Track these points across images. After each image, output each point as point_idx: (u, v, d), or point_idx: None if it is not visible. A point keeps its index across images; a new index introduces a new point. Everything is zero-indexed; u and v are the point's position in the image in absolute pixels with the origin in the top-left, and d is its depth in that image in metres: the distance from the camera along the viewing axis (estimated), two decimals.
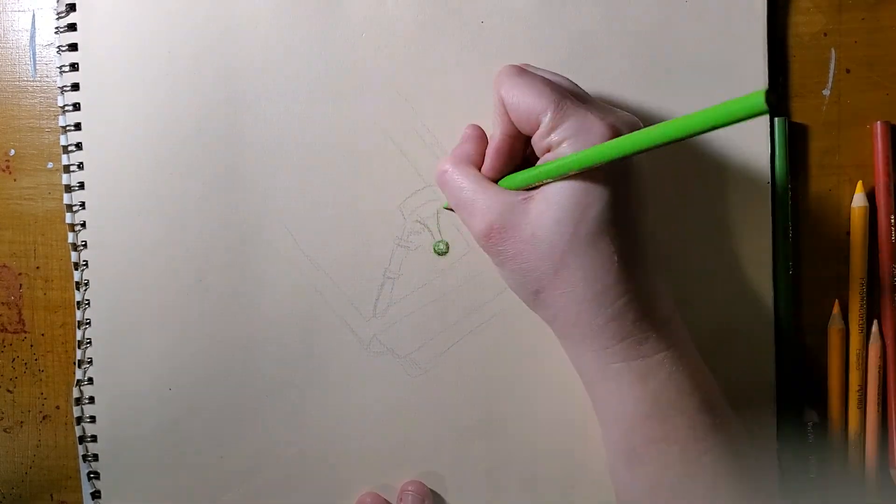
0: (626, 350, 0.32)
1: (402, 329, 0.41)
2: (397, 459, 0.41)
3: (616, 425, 0.33)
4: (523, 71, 0.34)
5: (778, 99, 0.24)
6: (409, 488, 0.40)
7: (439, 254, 0.41)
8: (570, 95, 0.33)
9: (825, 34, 0.41)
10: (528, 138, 0.34)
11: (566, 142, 0.31)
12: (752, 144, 0.40)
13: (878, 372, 0.40)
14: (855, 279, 0.40)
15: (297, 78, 0.41)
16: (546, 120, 0.32)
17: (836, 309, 0.41)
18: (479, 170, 0.36)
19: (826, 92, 0.41)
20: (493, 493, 0.41)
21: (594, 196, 0.31)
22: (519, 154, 0.35)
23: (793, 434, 0.40)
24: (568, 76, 0.40)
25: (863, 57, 0.41)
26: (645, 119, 0.40)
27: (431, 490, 0.41)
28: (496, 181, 0.35)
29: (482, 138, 0.37)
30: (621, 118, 0.32)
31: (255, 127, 0.41)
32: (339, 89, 0.41)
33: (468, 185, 0.34)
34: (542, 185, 0.32)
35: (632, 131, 0.31)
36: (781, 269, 0.40)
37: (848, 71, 0.41)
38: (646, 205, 0.34)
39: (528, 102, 0.32)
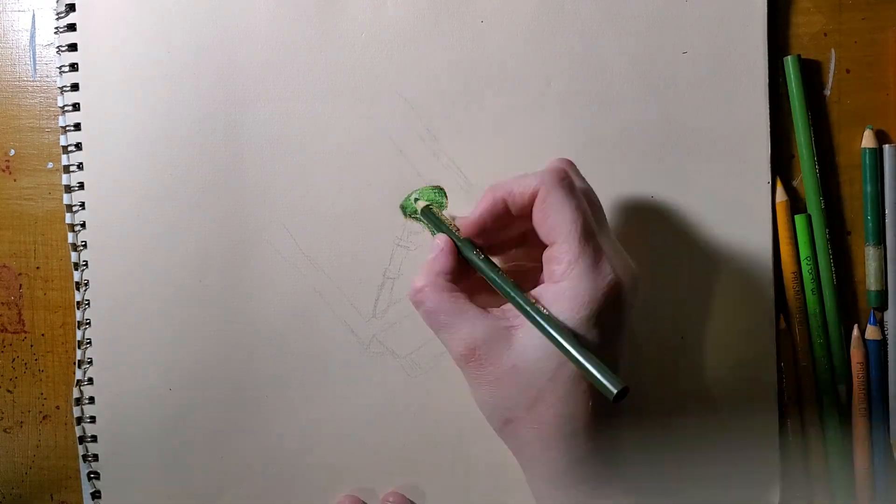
0: (588, 493, 0.32)
1: (401, 329, 0.41)
2: (396, 460, 0.41)
3: None
4: (572, 188, 0.32)
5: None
6: (390, 499, 0.40)
7: None
8: (595, 234, 0.32)
9: (825, 34, 0.41)
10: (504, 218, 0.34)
11: (570, 280, 0.31)
12: (752, 142, 0.40)
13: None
14: (787, 257, 0.40)
15: (297, 78, 0.41)
16: (564, 248, 0.31)
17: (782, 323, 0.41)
18: (452, 277, 0.34)
19: (826, 92, 0.41)
20: (492, 493, 0.41)
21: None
22: (503, 224, 0.34)
23: (793, 434, 0.41)
24: (568, 76, 0.40)
25: (863, 57, 0.41)
26: (644, 124, 0.40)
27: (420, 494, 0.41)
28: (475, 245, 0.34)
29: (454, 252, 0.35)
30: (629, 272, 0.32)
31: (255, 127, 0.41)
32: (339, 89, 0.41)
33: (448, 306, 0.33)
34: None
35: (632, 285, 0.32)
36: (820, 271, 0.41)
37: (848, 71, 0.41)
38: (625, 351, 0.33)
39: (558, 221, 0.31)
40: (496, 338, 0.32)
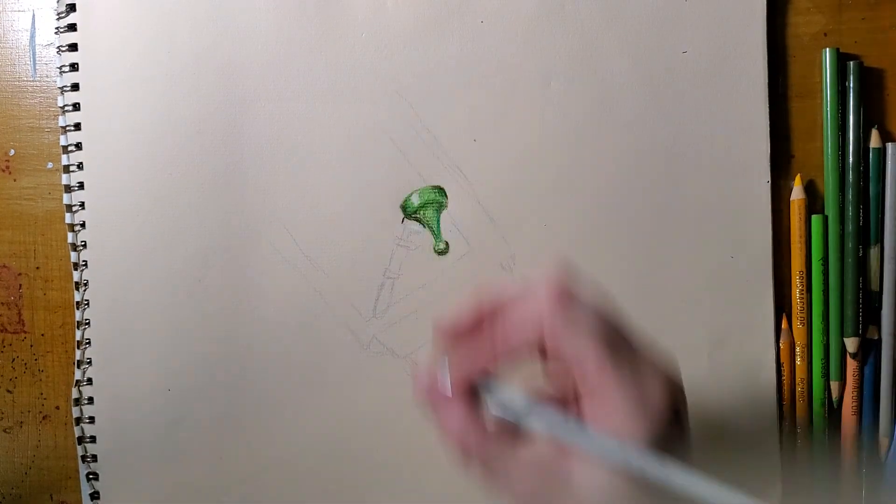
0: None
1: (401, 329, 0.41)
2: (396, 459, 0.41)
3: None
4: (576, 302, 0.27)
5: None
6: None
7: (439, 254, 0.41)
8: (624, 348, 0.27)
9: (825, 34, 0.41)
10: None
11: (617, 413, 0.25)
12: (752, 142, 0.40)
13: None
14: (797, 258, 0.40)
15: (297, 78, 0.41)
16: (594, 380, 0.26)
17: (784, 324, 0.41)
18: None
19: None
20: (490, 492, 0.41)
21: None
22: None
23: (791, 433, 0.41)
24: (567, 76, 0.40)
25: (863, 57, 0.41)
26: (643, 123, 0.40)
27: (421, 494, 0.41)
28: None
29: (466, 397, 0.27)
30: (673, 378, 0.27)
31: (255, 127, 0.41)
32: (339, 89, 0.41)
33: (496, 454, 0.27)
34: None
35: (681, 391, 0.27)
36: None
37: None
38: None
39: (576, 350, 0.26)
40: (551, 481, 0.26)
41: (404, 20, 0.41)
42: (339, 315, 0.41)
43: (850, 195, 0.40)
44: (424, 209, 0.41)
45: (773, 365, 0.40)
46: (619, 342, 0.27)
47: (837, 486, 0.40)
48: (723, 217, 0.40)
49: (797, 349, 0.40)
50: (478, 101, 0.40)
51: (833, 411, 0.41)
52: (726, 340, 0.40)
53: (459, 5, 0.40)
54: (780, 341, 0.40)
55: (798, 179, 0.40)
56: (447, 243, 0.41)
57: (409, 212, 0.41)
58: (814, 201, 0.41)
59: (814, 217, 0.40)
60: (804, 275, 0.40)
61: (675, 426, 0.26)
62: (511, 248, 0.41)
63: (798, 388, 0.40)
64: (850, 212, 0.40)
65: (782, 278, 0.41)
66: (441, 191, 0.41)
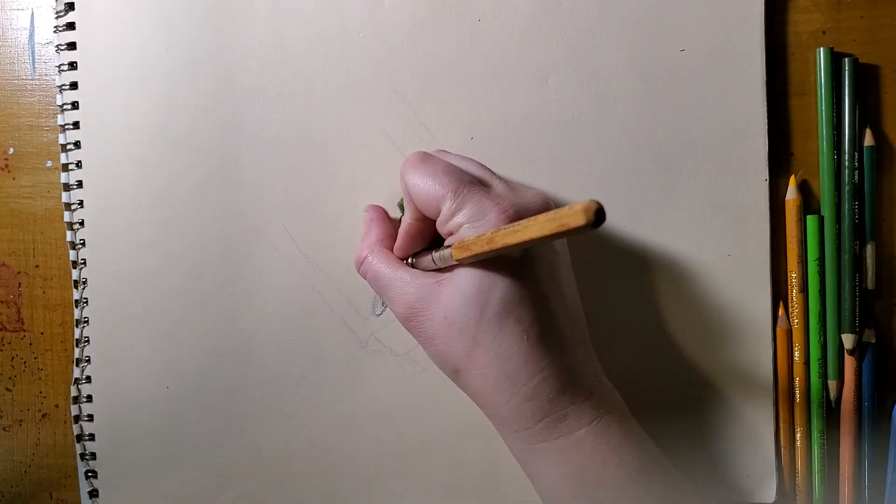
0: (546, 430, 0.32)
1: (400, 327, 0.40)
2: (395, 457, 0.41)
3: (547, 499, 0.34)
4: (426, 158, 0.34)
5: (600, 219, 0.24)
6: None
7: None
8: (470, 181, 0.33)
9: (824, 32, 0.41)
10: (428, 221, 0.35)
11: (464, 227, 0.32)
12: (750, 140, 0.40)
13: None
14: (793, 258, 0.40)
15: (295, 76, 0.41)
16: (445, 207, 0.32)
17: (780, 311, 0.41)
18: (392, 250, 0.37)
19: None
20: (490, 490, 0.41)
21: (495, 279, 0.32)
22: (429, 234, 0.36)
23: (790, 433, 0.41)
24: (565, 74, 0.40)
25: (862, 55, 0.41)
26: (641, 121, 0.40)
27: (421, 491, 0.41)
28: (408, 260, 0.36)
29: (383, 218, 0.39)
30: (521, 200, 0.33)
31: (253, 126, 0.41)
32: (337, 88, 0.41)
33: (387, 271, 0.35)
34: (451, 267, 0.33)
35: (537, 207, 0.32)
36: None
37: None
38: (559, 279, 0.34)
39: (428, 190, 0.33)
40: (428, 294, 0.33)
41: (402, 18, 0.41)
42: (337, 313, 0.41)
43: (845, 193, 0.40)
44: None
45: (771, 363, 0.40)
46: (464, 179, 0.33)
47: (836, 485, 0.40)
48: (721, 215, 0.40)
49: (795, 350, 0.40)
50: (475, 99, 0.40)
51: (831, 410, 0.41)
52: (723, 338, 0.40)
53: (457, 3, 0.40)
54: (777, 335, 0.40)
55: (792, 179, 0.40)
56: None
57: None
58: (810, 199, 0.41)
59: (809, 217, 0.40)
60: (800, 274, 0.40)
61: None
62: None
63: (797, 388, 0.40)
64: (845, 210, 0.40)
65: (781, 277, 0.41)
66: None
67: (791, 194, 0.40)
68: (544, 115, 0.40)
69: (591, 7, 0.40)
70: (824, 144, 0.40)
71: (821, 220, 0.40)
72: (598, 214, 0.23)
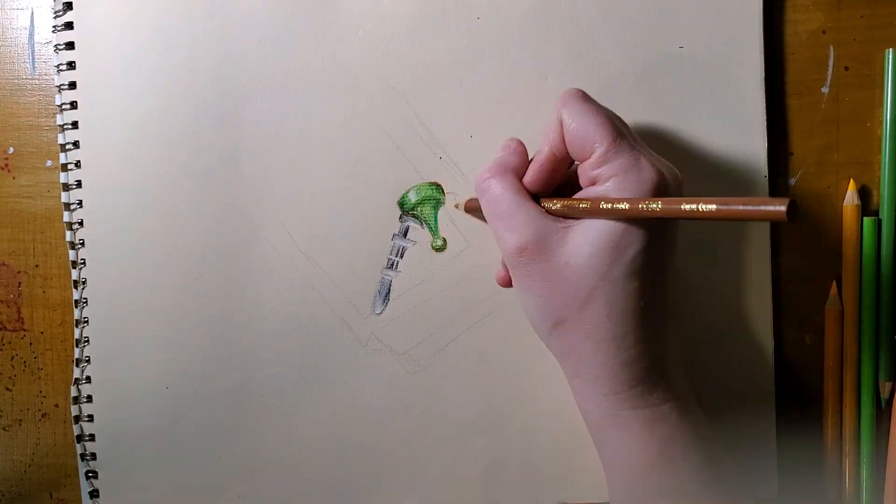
0: (636, 397, 0.32)
1: (400, 326, 0.41)
2: (396, 456, 0.41)
3: (621, 474, 0.33)
4: (588, 98, 0.33)
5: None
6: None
7: (437, 250, 0.41)
8: (628, 133, 0.32)
9: (824, 31, 0.41)
10: (572, 161, 0.34)
11: (613, 179, 0.31)
12: (749, 139, 0.40)
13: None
14: (848, 277, 0.40)
15: (294, 75, 0.41)
16: (600, 151, 0.31)
17: (833, 290, 0.41)
18: (520, 178, 0.35)
19: (825, 90, 0.41)
20: (491, 488, 0.41)
21: (633, 239, 0.31)
22: (560, 175, 0.35)
23: (792, 434, 0.41)
24: (564, 72, 0.40)
25: (862, 54, 0.41)
26: (640, 119, 0.40)
27: (421, 490, 0.41)
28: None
29: (524, 154, 0.36)
30: (669, 168, 0.32)
31: (252, 124, 0.41)
32: (336, 86, 0.41)
33: (510, 197, 0.33)
34: (576, 216, 0.32)
35: (675, 183, 0.32)
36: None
37: (847, 68, 0.41)
38: (675, 252, 0.34)
39: (587, 129, 0.32)
40: (551, 235, 0.32)
41: (400, 16, 0.41)
42: (337, 312, 0.41)
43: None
44: (422, 206, 0.41)
45: (772, 363, 0.40)
46: (621, 129, 0.32)
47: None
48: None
49: (847, 351, 0.40)
50: (474, 98, 0.40)
51: (881, 411, 0.40)
52: (724, 338, 0.40)
53: (456, 1, 0.40)
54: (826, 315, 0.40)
55: (852, 184, 0.40)
56: (445, 240, 0.41)
57: (406, 208, 0.41)
58: (809, 197, 0.41)
59: (866, 219, 0.40)
60: (855, 280, 0.40)
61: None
62: None
63: (847, 387, 0.40)
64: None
65: (781, 276, 0.41)
66: (438, 187, 0.41)
67: (849, 200, 0.40)
68: (543, 113, 0.40)
69: (589, 5, 0.40)
70: (887, 147, 0.40)
71: (878, 223, 0.40)
72: (792, 209, 0.24)
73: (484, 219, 0.35)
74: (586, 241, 0.31)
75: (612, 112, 0.33)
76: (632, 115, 0.40)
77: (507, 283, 0.36)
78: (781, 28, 0.41)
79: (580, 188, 0.33)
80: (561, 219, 0.33)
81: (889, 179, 0.40)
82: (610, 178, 0.31)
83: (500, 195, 0.34)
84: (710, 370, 0.40)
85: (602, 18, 0.40)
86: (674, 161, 0.40)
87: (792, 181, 0.41)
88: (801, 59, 0.41)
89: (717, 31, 0.40)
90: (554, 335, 0.33)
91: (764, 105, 0.40)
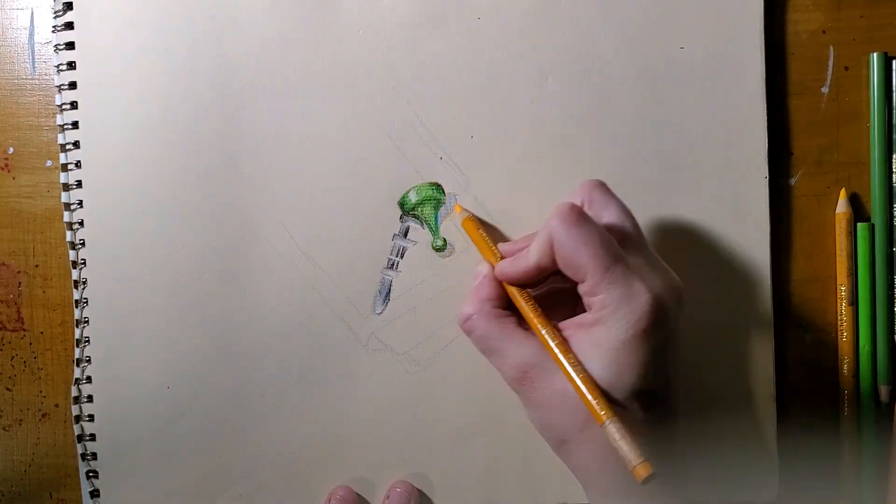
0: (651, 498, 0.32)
1: (400, 326, 0.41)
2: (396, 457, 0.41)
3: None
4: (583, 220, 0.32)
5: None
6: (397, 488, 0.40)
7: (437, 250, 0.41)
8: (622, 258, 0.31)
9: (824, 32, 0.41)
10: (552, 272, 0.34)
11: (608, 309, 0.31)
12: (749, 139, 0.40)
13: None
14: (844, 281, 0.40)
15: (294, 75, 0.41)
16: (591, 282, 0.31)
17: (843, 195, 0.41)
18: (499, 306, 0.35)
19: (825, 90, 0.41)
20: (491, 489, 0.41)
21: (629, 365, 0.31)
22: (546, 278, 0.35)
23: (792, 435, 0.41)
24: (564, 72, 0.40)
25: (862, 55, 0.41)
26: (640, 120, 0.40)
27: (421, 490, 0.41)
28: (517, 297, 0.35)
29: (495, 279, 0.36)
30: (668, 285, 0.32)
31: (252, 124, 0.41)
32: (336, 86, 0.41)
33: (496, 332, 0.34)
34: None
35: (673, 298, 0.32)
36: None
37: (847, 68, 0.41)
38: (677, 364, 0.33)
39: (578, 258, 0.31)
40: (545, 361, 0.32)
41: (400, 16, 0.41)
42: (337, 312, 0.41)
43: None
44: (422, 206, 0.41)
45: (772, 363, 0.40)
46: (614, 255, 0.31)
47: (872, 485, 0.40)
48: (720, 214, 0.40)
49: (844, 364, 0.41)
50: (475, 98, 0.40)
51: (882, 414, 0.41)
52: (724, 337, 0.40)
53: (456, 1, 0.40)
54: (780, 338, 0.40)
55: (843, 192, 0.40)
56: (445, 240, 0.41)
57: (406, 209, 0.41)
58: (808, 197, 0.41)
59: (860, 224, 0.40)
60: (849, 287, 0.40)
61: (656, 330, 0.31)
62: None
63: (845, 391, 0.41)
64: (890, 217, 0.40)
65: (782, 276, 0.41)
66: (438, 187, 0.41)
67: (841, 207, 0.40)
68: (543, 114, 0.40)
69: (589, 5, 0.40)
70: (876, 152, 0.40)
71: (871, 228, 0.40)
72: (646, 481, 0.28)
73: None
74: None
75: (606, 234, 0.32)
76: (632, 115, 0.40)
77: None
78: (781, 28, 0.41)
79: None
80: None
81: (878, 185, 0.40)
82: (603, 310, 0.31)
83: (485, 333, 0.34)
84: (710, 371, 0.40)
85: (602, 18, 0.40)
86: (674, 161, 0.40)
87: (792, 181, 0.41)
88: (801, 59, 0.41)
89: (717, 31, 0.40)
90: (561, 453, 0.33)
91: (764, 105, 0.40)
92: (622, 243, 0.32)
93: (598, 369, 0.31)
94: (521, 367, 0.33)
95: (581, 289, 0.32)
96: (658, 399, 0.32)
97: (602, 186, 0.35)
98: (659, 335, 0.31)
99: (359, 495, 0.41)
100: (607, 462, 0.31)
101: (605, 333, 0.31)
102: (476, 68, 0.40)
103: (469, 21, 0.40)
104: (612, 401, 0.31)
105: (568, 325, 0.33)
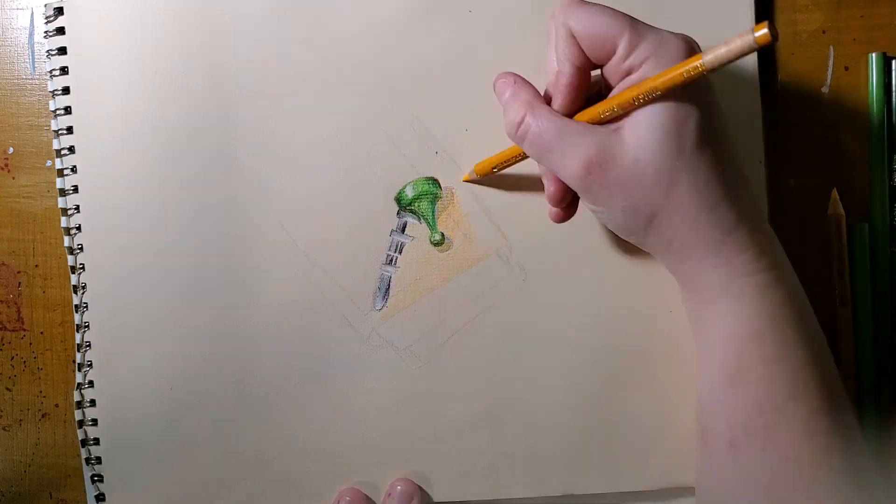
0: (748, 263, 0.32)
1: (400, 322, 0.41)
2: (399, 452, 0.41)
3: (725, 345, 0.33)
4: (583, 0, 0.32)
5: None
6: (398, 486, 0.40)
7: (435, 245, 0.41)
8: (635, 18, 0.32)
9: (823, 31, 0.41)
10: (590, 72, 0.33)
11: (648, 61, 0.31)
12: (749, 139, 0.40)
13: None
14: (836, 272, 0.41)
15: (288, 73, 0.41)
16: (624, 42, 0.31)
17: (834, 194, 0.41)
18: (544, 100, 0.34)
19: (825, 90, 0.41)
20: (494, 483, 0.41)
21: (689, 109, 0.30)
22: (587, 87, 0.34)
23: None
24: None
25: (861, 54, 0.41)
26: None
27: (423, 487, 0.41)
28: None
29: (527, 81, 0.35)
30: (687, 36, 0.32)
31: (247, 124, 0.41)
32: (330, 83, 0.41)
33: (552, 126, 0.32)
34: (625, 114, 0.31)
35: (693, 41, 0.32)
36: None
37: (847, 68, 0.41)
38: (723, 111, 0.33)
39: (602, 28, 0.31)
40: (609, 142, 0.31)
41: (392, 12, 0.41)
42: (337, 310, 0.41)
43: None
44: (419, 201, 0.41)
45: None
46: (629, 16, 0.32)
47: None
48: None
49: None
50: (469, 91, 0.40)
51: (880, 416, 0.41)
52: None
53: None
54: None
55: (834, 192, 0.40)
56: (443, 234, 0.41)
57: (403, 204, 0.41)
58: (808, 198, 0.41)
59: (858, 225, 0.40)
60: (843, 289, 0.40)
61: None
62: (507, 237, 0.41)
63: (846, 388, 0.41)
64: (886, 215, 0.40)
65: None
66: (435, 182, 0.41)
67: (832, 208, 0.40)
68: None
69: None
70: (875, 152, 0.40)
71: (871, 228, 0.40)
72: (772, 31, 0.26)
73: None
74: (647, 130, 0.31)
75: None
76: None
77: (563, 219, 0.36)
78: (782, 28, 0.41)
79: (602, 97, 0.33)
80: (608, 125, 0.32)
81: (878, 185, 0.40)
82: (645, 62, 0.31)
83: (542, 128, 0.33)
84: None
85: None
86: None
87: (792, 181, 0.41)
88: (801, 59, 0.41)
89: (716, 32, 0.40)
90: (651, 232, 0.33)
91: (760, 104, 0.40)
92: None
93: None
94: (587, 157, 0.31)
95: (616, 61, 0.31)
96: (727, 147, 0.32)
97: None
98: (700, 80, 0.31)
99: (367, 497, 0.41)
100: (699, 217, 0.31)
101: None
102: (469, 61, 0.40)
103: (461, 14, 0.40)
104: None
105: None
